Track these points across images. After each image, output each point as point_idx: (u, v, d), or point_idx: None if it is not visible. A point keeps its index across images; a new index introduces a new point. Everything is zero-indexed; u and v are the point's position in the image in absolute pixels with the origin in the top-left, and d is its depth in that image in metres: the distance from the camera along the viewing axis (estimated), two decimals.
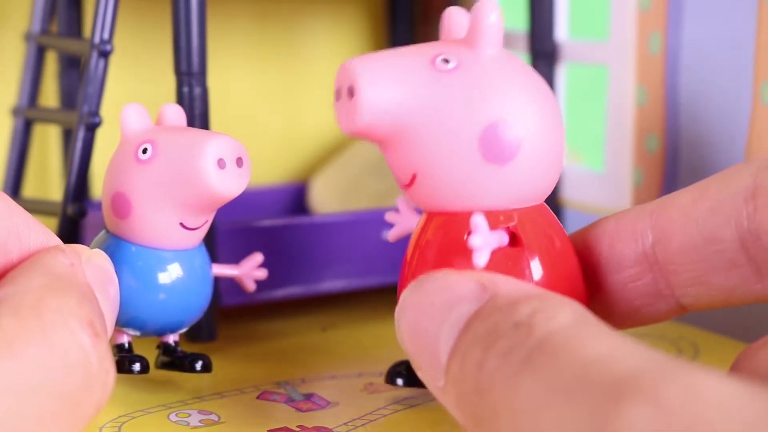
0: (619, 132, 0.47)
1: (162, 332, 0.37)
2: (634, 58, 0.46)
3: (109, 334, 0.31)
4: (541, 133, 0.31)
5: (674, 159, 0.45)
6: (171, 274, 0.35)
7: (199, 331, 0.41)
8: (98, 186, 0.51)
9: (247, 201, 0.52)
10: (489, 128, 0.30)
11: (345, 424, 0.34)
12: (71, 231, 0.40)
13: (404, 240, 0.36)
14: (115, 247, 0.35)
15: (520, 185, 0.31)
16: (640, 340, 0.36)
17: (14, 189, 0.46)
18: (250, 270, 0.38)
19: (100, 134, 0.41)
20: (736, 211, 0.29)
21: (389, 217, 0.37)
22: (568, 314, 0.25)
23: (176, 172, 0.34)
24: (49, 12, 0.46)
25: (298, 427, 0.34)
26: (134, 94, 0.52)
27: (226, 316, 0.45)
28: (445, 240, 0.31)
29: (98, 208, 0.38)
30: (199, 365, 0.37)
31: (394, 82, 0.30)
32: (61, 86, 0.49)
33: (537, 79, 0.32)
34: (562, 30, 0.50)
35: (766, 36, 0.40)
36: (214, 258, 0.40)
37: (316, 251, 0.44)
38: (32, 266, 0.29)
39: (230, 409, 0.36)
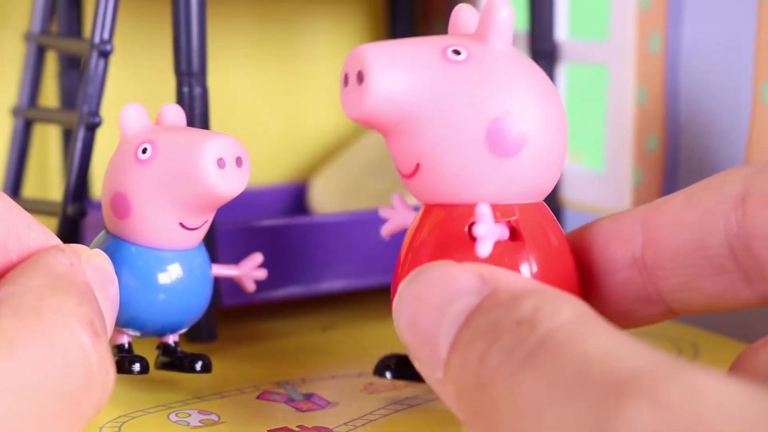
0: (619, 132, 0.47)
1: (162, 332, 0.37)
2: (634, 58, 0.46)
3: (109, 334, 0.31)
4: (546, 130, 0.31)
5: (674, 159, 0.45)
6: (171, 274, 0.35)
7: (199, 331, 0.41)
8: (98, 186, 0.51)
9: (247, 201, 0.52)
10: (496, 121, 0.30)
11: (345, 424, 0.34)
12: (71, 231, 0.40)
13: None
14: (115, 247, 0.35)
15: (523, 180, 0.31)
16: (640, 339, 0.36)
17: (14, 189, 0.46)
18: (250, 270, 0.38)
19: (100, 134, 0.41)
20: (725, 217, 0.30)
21: (383, 212, 0.36)
22: (569, 311, 0.25)
23: (176, 171, 0.34)
24: (49, 12, 0.46)
25: (298, 427, 0.34)
26: (134, 94, 0.52)
27: (226, 316, 0.46)
28: (443, 232, 0.31)
29: (98, 208, 0.38)
30: (198, 365, 0.37)
31: (404, 70, 0.30)
32: (61, 86, 0.49)
33: (543, 76, 0.32)
34: (562, 30, 0.50)
35: (766, 36, 0.40)
36: (214, 258, 0.40)
37: (316, 251, 0.44)
38: (32, 266, 0.29)
39: (230, 409, 0.36)
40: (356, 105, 0.30)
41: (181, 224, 0.35)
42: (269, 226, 0.43)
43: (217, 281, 0.40)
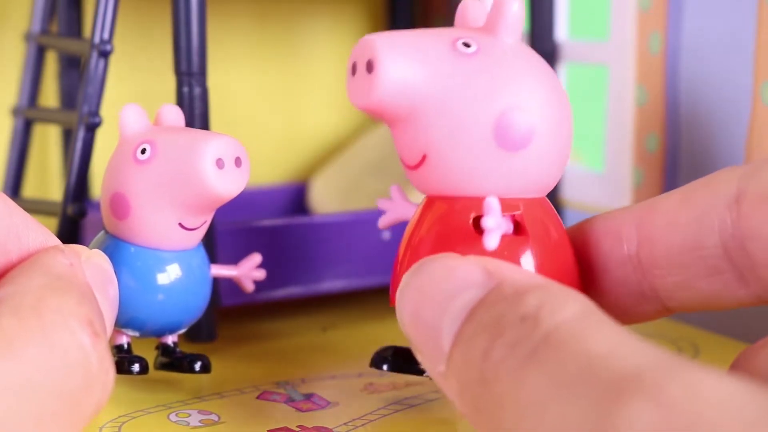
0: (619, 132, 0.47)
1: (161, 333, 0.37)
2: (634, 58, 0.46)
3: (108, 334, 0.31)
4: (553, 125, 0.31)
5: (674, 159, 0.45)
6: (170, 274, 0.35)
7: (199, 331, 0.41)
8: (98, 186, 0.51)
9: (247, 201, 0.52)
10: (504, 115, 0.30)
11: (345, 424, 0.34)
12: (71, 231, 0.40)
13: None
14: (114, 247, 0.35)
15: (528, 175, 0.31)
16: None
17: (14, 189, 0.46)
18: (249, 270, 0.38)
19: (100, 134, 0.41)
20: (720, 217, 0.30)
21: (381, 204, 0.36)
22: (573, 307, 0.25)
23: (175, 172, 0.34)
24: (49, 12, 0.46)
25: (298, 427, 0.34)
26: (134, 94, 0.52)
27: (226, 316, 0.46)
28: (446, 225, 0.31)
29: (98, 208, 0.38)
30: (198, 366, 0.37)
31: (414, 61, 0.30)
32: (61, 86, 0.49)
33: (550, 71, 0.32)
34: (562, 30, 0.50)
35: (766, 36, 0.40)
36: (214, 258, 0.40)
37: (316, 251, 0.44)
38: (32, 266, 0.29)
39: (230, 409, 0.36)
40: (364, 94, 0.30)
41: (180, 224, 0.35)
42: (269, 226, 0.43)
43: (217, 281, 0.40)
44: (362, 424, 0.34)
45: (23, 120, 0.46)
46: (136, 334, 0.36)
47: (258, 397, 0.37)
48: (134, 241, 0.35)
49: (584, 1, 0.62)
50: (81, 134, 0.40)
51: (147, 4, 0.53)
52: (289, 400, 0.37)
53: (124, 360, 0.35)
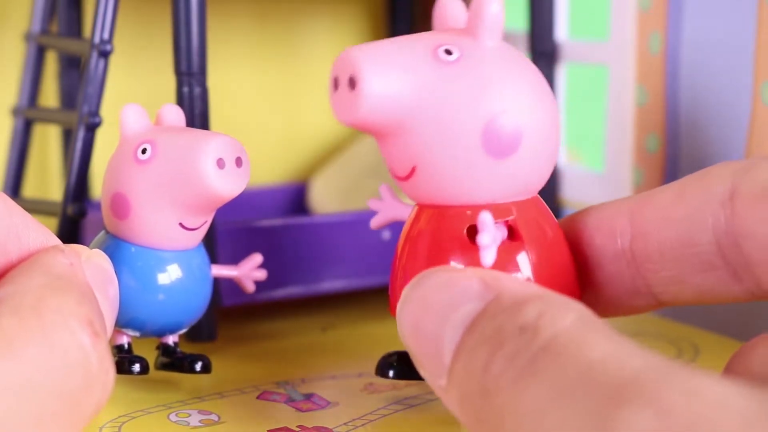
0: (619, 132, 0.47)
1: (161, 333, 0.37)
2: (634, 58, 0.46)
3: (108, 334, 0.31)
4: (541, 127, 0.31)
5: (674, 159, 0.45)
6: (170, 274, 0.35)
7: (199, 331, 0.41)
8: (98, 186, 0.51)
9: (247, 201, 0.52)
10: (491, 122, 0.30)
11: (345, 424, 0.34)
12: (71, 231, 0.40)
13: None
14: (115, 247, 0.35)
15: (519, 179, 0.31)
16: (639, 339, 0.36)
17: (14, 189, 0.46)
18: (250, 271, 0.38)
19: (100, 134, 0.41)
20: (714, 214, 0.30)
21: (372, 204, 0.36)
22: (572, 316, 0.25)
23: (176, 172, 0.34)
24: (49, 12, 0.46)
25: (298, 427, 0.34)
26: (134, 94, 0.52)
27: (226, 316, 0.45)
28: (439, 233, 0.31)
29: (98, 208, 0.38)
30: (198, 366, 0.37)
31: (397, 74, 0.30)
32: (61, 86, 0.49)
33: (535, 72, 0.32)
34: (562, 30, 0.50)
35: (766, 36, 0.40)
36: (214, 258, 0.40)
37: (316, 251, 0.44)
38: (32, 266, 0.29)
39: (230, 409, 0.36)
40: (349, 111, 0.30)
41: (180, 224, 0.35)
42: (269, 226, 0.43)
43: (217, 281, 0.40)
44: (362, 424, 0.34)
45: (23, 120, 0.46)
46: (137, 334, 0.36)
47: (258, 397, 0.37)
48: (135, 241, 0.35)
49: (584, 1, 0.62)
50: (81, 134, 0.40)
51: (147, 4, 0.53)
52: (289, 400, 0.37)
53: (124, 360, 0.35)
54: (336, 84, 0.30)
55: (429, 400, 0.36)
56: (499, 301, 0.26)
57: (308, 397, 0.37)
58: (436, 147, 0.30)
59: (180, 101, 0.40)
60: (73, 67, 0.49)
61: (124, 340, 0.36)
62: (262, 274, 0.38)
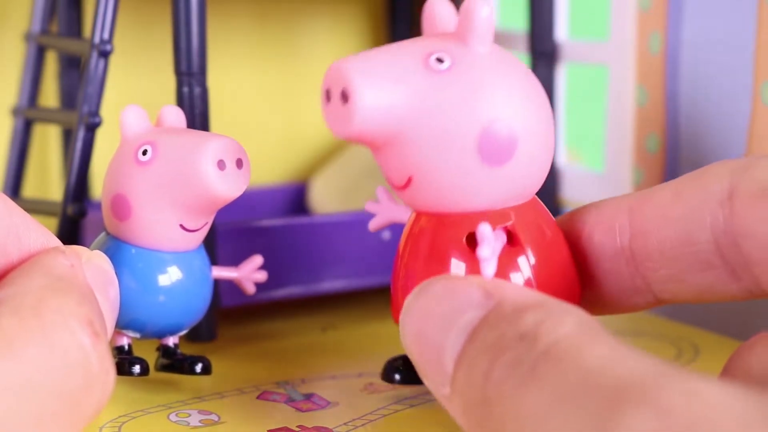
0: (619, 132, 0.47)
1: (162, 334, 0.37)
2: (634, 58, 0.46)
3: (109, 335, 0.31)
4: (536, 131, 0.31)
5: (674, 159, 0.45)
6: (171, 276, 0.35)
7: (199, 332, 0.41)
8: (98, 186, 0.51)
9: (247, 201, 0.52)
10: (486, 130, 0.30)
11: (345, 424, 0.34)
12: (71, 231, 0.40)
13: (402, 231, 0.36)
14: (115, 248, 0.35)
15: (516, 184, 0.31)
16: (639, 339, 0.36)
17: (14, 189, 0.46)
18: (250, 272, 0.38)
19: (100, 134, 0.41)
20: (712, 213, 0.30)
21: (369, 207, 0.36)
22: (571, 322, 0.25)
23: (176, 173, 0.34)
24: (49, 12, 0.46)
25: (298, 427, 0.34)
26: (134, 94, 0.52)
27: (226, 316, 0.45)
28: (438, 242, 0.31)
29: (98, 208, 0.38)
30: (198, 367, 0.37)
31: (389, 86, 0.30)
32: (61, 86, 0.49)
33: (528, 75, 0.31)
34: (562, 30, 0.50)
35: (766, 36, 0.40)
36: (214, 257, 0.40)
37: (316, 251, 0.44)
38: (32, 267, 0.29)
39: (230, 409, 0.36)
40: (343, 124, 0.30)
41: (181, 226, 0.35)
42: (269, 226, 0.43)
43: (217, 282, 0.40)
44: (362, 424, 0.34)
45: (23, 120, 0.46)
46: (137, 335, 0.36)
47: (258, 397, 0.37)
48: (135, 243, 0.35)
49: (584, 1, 0.62)
50: (81, 134, 0.40)
51: (147, 4, 0.53)
52: (289, 400, 0.37)
53: (124, 361, 0.35)
54: (328, 96, 0.30)
55: (429, 400, 0.36)
56: (499, 309, 0.26)
57: (308, 397, 0.37)
58: (431, 157, 0.30)
59: (180, 101, 0.40)
60: (73, 67, 0.49)
61: (124, 342, 0.36)
62: (262, 276, 0.38)
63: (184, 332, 0.37)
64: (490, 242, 0.28)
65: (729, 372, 0.28)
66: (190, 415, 0.35)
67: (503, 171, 0.30)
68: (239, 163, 0.34)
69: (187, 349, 0.38)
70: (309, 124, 0.58)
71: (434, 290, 0.28)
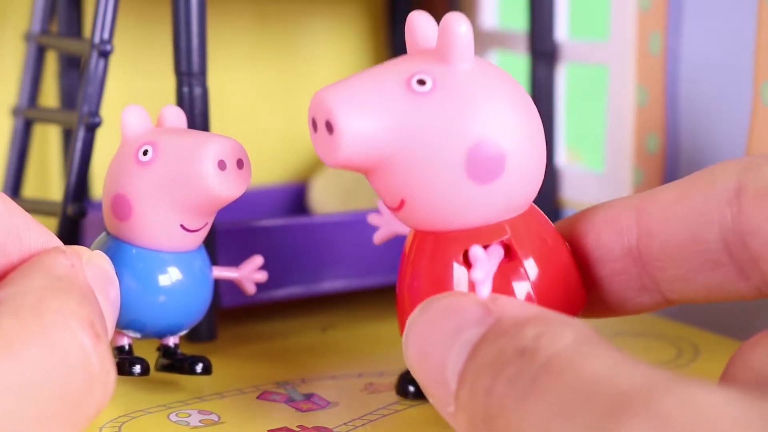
0: (619, 132, 0.47)
1: (162, 334, 0.37)
2: (634, 58, 0.46)
3: (109, 335, 0.31)
4: (524, 145, 0.30)
5: (674, 159, 0.45)
6: (171, 276, 0.35)
7: (199, 331, 0.41)
8: (98, 186, 0.51)
9: (247, 201, 0.52)
10: (473, 150, 0.30)
11: (345, 424, 0.34)
12: (71, 231, 0.40)
13: (403, 239, 0.36)
14: (116, 249, 0.35)
15: (509, 198, 0.31)
16: (639, 339, 0.36)
17: (14, 189, 0.46)
18: (250, 273, 0.38)
19: (100, 134, 0.41)
20: (719, 212, 0.30)
21: (372, 219, 0.37)
22: (570, 334, 0.25)
23: (177, 173, 0.34)
24: (49, 12, 0.46)
25: (298, 427, 0.34)
26: (134, 94, 0.52)
27: (226, 316, 0.45)
28: (436, 259, 0.31)
29: (98, 208, 0.38)
30: (199, 368, 0.37)
31: (372, 113, 0.29)
32: (61, 86, 0.49)
33: (513, 86, 0.31)
34: (562, 30, 0.50)
35: (766, 36, 0.40)
36: (214, 257, 0.40)
37: (316, 251, 0.44)
38: (33, 267, 0.29)
39: (230, 409, 0.36)
40: (330, 154, 0.30)
41: (181, 226, 0.35)
42: (269, 226, 0.43)
43: (217, 282, 0.40)
44: (362, 424, 0.34)
45: (23, 120, 0.46)
46: (137, 335, 0.36)
47: (258, 397, 0.37)
48: (136, 243, 0.35)
49: (584, 1, 0.62)
50: (81, 134, 0.40)
51: (147, 4, 0.53)
52: (289, 400, 0.37)
53: (125, 361, 0.35)
54: (315, 126, 0.30)
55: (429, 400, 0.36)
56: (499, 324, 0.26)
57: (308, 397, 0.37)
58: (420, 180, 0.30)
59: (180, 101, 0.40)
60: (73, 67, 0.49)
61: (124, 342, 0.36)
62: (262, 276, 0.38)
63: (184, 332, 0.37)
64: (483, 264, 0.28)
65: (731, 372, 0.28)
66: (190, 415, 0.35)
67: (494, 187, 0.30)
68: (240, 164, 0.34)
69: (187, 349, 0.38)
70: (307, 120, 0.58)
71: (435, 309, 0.28)
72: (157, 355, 0.37)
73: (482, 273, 0.28)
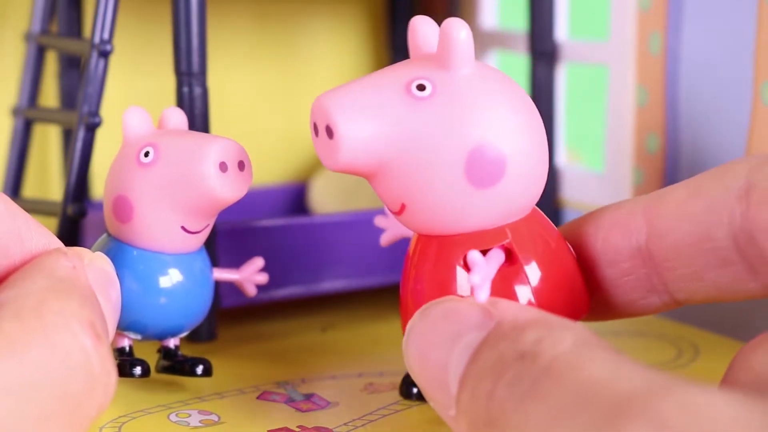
0: (619, 132, 0.47)
1: (163, 336, 0.37)
2: (634, 58, 0.46)
3: (110, 336, 0.31)
4: (525, 149, 0.30)
5: (674, 159, 0.45)
6: (172, 277, 0.35)
7: (200, 332, 0.41)
8: (98, 186, 0.51)
9: (247, 201, 0.52)
10: (473, 154, 0.30)
11: (345, 424, 0.34)
12: (71, 231, 0.40)
13: (403, 240, 0.36)
14: (117, 250, 0.35)
15: (510, 202, 0.31)
16: (639, 339, 0.36)
17: (14, 189, 0.46)
18: (251, 274, 0.38)
19: (100, 134, 0.41)
20: (729, 209, 0.30)
21: (379, 222, 0.37)
22: (570, 338, 0.25)
23: (178, 175, 0.34)
24: (49, 12, 0.46)
25: (298, 427, 0.34)
26: (134, 94, 0.52)
27: (226, 316, 0.46)
28: (438, 263, 0.31)
29: (98, 208, 0.38)
30: (199, 369, 0.37)
31: (371, 119, 0.30)
32: (61, 86, 0.49)
33: (514, 90, 0.31)
34: (562, 30, 0.50)
35: (766, 36, 0.41)
36: (214, 258, 0.40)
37: (316, 251, 0.44)
38: (34, 269, 0.29)
39: (230, 409, 0.36)
40: (330, 158, 0.30)
41: (183, 228, 0.35)
42: (269, 226, 0.43)
43: (217, 282, 0.40)
44: (362, 424, 0.34)
45: (23, 120, 0.46)
46: (138, 337, 0.36)
47: (258, 397, 0.37)
48: (137, 244, 0.35)
49: (584, 1, 0.62)
50: (81, 134, 0.40)
51: (147, 4, 0.53)
52: (289, 400, 0.37)
53: (125, 363, 0.35)
54: (316, 130, 0.31)
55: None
56: (499, 328, 0.27)
57: (308, 397, 0.37)
58: (420, 184, 0.30)
59: (180, 101, 0.40)
60: (73, 67, 0.49)
61: (125, 343, 0.36)
62: (263, 278, 0.38)
63: (185, 334, 0.37)
64: (481, 268, 0.28)
65: (732, 374, 0.28)
66: (190, 416, 0.35)
67: (495, 191, 0.30)
68: (241, 166, 0.34)
69: (187, 350, 0.38)
70: (309, 124, 0.58)
71: (435, 313, 0.28)
72: (157, 357, 0.37)
73: (479, 277, 0.28)
